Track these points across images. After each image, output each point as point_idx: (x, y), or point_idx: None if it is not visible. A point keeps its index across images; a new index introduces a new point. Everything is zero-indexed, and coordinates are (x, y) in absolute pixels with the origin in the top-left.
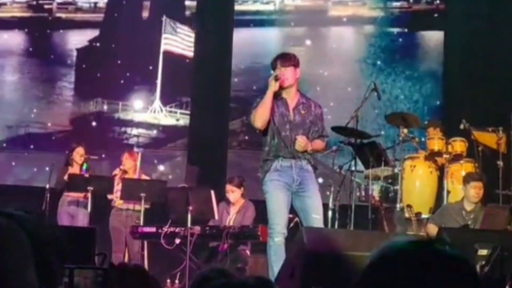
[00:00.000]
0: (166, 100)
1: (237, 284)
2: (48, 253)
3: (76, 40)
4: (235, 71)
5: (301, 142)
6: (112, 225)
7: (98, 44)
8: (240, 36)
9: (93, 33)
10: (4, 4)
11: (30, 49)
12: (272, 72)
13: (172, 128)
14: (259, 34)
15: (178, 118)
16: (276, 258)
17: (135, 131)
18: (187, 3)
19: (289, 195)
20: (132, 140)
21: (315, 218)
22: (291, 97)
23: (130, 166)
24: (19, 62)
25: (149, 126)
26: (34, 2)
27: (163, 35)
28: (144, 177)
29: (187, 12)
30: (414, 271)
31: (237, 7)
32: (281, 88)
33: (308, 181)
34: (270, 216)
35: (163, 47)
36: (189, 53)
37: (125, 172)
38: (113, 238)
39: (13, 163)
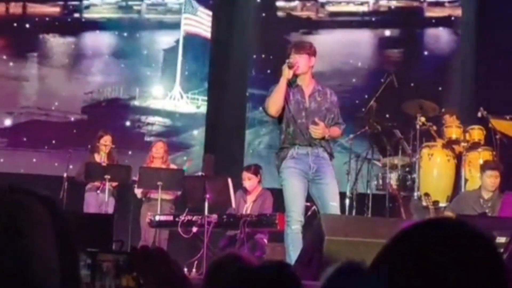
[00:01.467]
0: (188, 86)
1: (254, 269)
2: (71, 236)
3: (163, 41)
4: (325, 73)
5: (318, 128)
6: (143, 216)
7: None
8: (332, 37)
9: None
10: (94, 5)
11: (119, 50)
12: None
13: (191, 116)
14: (351, 35)
15: (199, 105)
16: (294, 246)
17: (150, 119)
18: None
19: (306, 182)
20: (145, 129)
21: (332, 205)
22: (306, 85)
23: (160, 155)
24: (107, 63)
25: (167, 114)
26: (124, 3)
27: (183, 15)
28: (172, 166)
29: None
30: (433, 248)
31: (331, 8)
32: (294, 75)
33: (324, 169)
34: (287, 204)
35: (183, 28)
36: (209, 34)
37: (153, 159)
38: (143, 229)
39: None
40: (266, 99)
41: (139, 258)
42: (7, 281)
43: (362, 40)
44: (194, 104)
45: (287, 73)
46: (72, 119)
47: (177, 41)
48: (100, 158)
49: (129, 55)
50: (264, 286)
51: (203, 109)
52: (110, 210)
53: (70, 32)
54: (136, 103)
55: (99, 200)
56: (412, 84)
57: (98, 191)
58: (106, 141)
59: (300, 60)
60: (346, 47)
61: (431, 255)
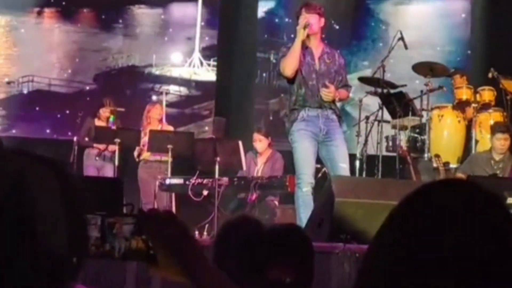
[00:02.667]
0: (210, 53)
1: (266, 230)
2: (78, 198)
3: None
4: None
5: (329, 91)
6: (140, 177)
7: None
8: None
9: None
10: None
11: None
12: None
13: (211, 84)
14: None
15: None
16: (304, 208)
17: (165, 87)
18: None
19: (316, 144)
20: (156, 99)
21: (342, 167)
22: (316, 46)
23: (156, 116)
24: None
25: (183, 82)
26: None
27: None
28: (168, 127)
29: None
30: (444, 209)
31: None
32: (307, 35)
33: (334, 131)
34: (297, 166)
35: None
36: None
37: (149, 122)
38: (142, 190)
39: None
40: (281, 61)
41: (147, 221)
42: (14, 243)
43: None
44: (214, 72)
45: (302, 34)
46: (87, 88)
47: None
48: (107, 121)
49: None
50: (275, 247)
51: None
52: (109, 175)
53: None
54: (152, 70)
55: (98, 165)
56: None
57: (97, 158)
58: (105, 112)
59: (311, 19)
60: None
61: (442, 216)
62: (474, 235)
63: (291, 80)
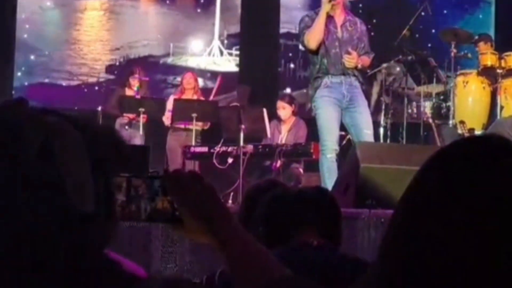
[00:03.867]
0: (231, 41)
1: (294, 193)
2: (104, 158)
3: None
4: None
5: (351, 57)
6: (169, 146)
7: None
8: None
9: None
10: None
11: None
12: None
13: (228, 75)
14: None
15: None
16: (329, 175)
17: (179, 79)
18: None
19: (339, 111)
20: (168, 92)
21: (366, 133)
22: (338, 14)
23: (191, 86)
24: None
25: (201, 73)
26: None
27: None
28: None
29: None
30: (475, 165)
31: None
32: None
33: (357, 97)
34: (321, 133)
35: None
36: None
37: (184, 91)
38: (169, 158)
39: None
40: (305, 33)
41: (172, 181)
42: (43, 203)
43: None
44: (235, 62)
45: (327, 7)
46: (100, 79)
47: None
48: (132, 91)
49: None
50: (303, 210)
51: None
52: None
53: None
54: (168, 60)
55: (129, 134)
56: (445, 11)
57: (126, 127)
58: (134, 79)
59: None
60: None
61: (471, 172)
62: (505, 192)
63: (314, 52)
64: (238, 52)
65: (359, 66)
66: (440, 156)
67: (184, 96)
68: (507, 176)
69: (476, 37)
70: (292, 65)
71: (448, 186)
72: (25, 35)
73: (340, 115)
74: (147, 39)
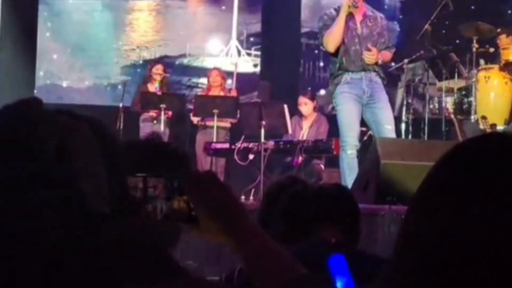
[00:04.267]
0: (250, 42)
1: (314, 190)
2: (119, 158)
3: None
4: None
5: (371, 54)
6: (198, 143)
7: None
8: None
9: None
10: None
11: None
12: None
13: (245, 76)
14: None
15: (256, 63)
16: (350, 171)
17: (194, 80)
18: None
19: (360, 107)
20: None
21: (387, 129)
22: (358, 11)
23: (217, 83)
24: None
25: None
26: None
27: None
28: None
29: None
30: (490, 162)
31: None
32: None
33: (378, 93)
34: (341, 129)
35: None
36: None
37: (210, 88)
38: (199, 156)
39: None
40: (324, 35)
41: (189, 181)
42: (57, 203)
43: None
44: (253, 62)
45: (346, 10)
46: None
47: None
48: (154, 87)
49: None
50: (322, 208)
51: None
52: (165, 140)
53: None
54: (184, 61)
55: (153, 130)
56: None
57: (154, 121)
58: (158, 69)
59: None
60: None
61: (488, 168)
62: None
63: (333, 54)
64: (257, 52)
65: (380, 61)
66: (456, 152)
67: (210, 93)
68: None
69: (498, 30)
70: (312, 65)
71: (464, 181)
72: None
73: (361, 111)
74: (164, 39)
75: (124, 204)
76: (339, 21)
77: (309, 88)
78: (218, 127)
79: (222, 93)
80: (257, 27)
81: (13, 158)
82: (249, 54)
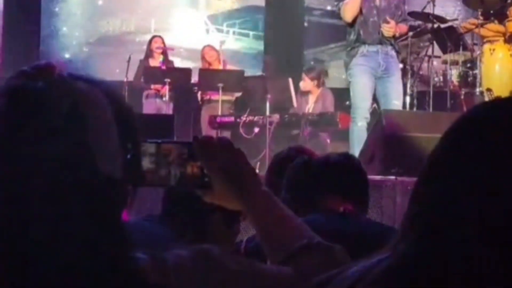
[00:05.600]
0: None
1: (320, 160)
2: (131, 122)
3: None
4: None
5: (390, 26)
6: (203, 118)
7: None
8: None
9: None
10: None
11: None
12: None
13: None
14: None
15: (224, 40)
16: (358, 143)
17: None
18: None
19: (374, 80)
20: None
21: (395, 104)
22: None
23: (214, 58)
24: None
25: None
26: None
27: None
28: (229, 67)
29: None
30: (500, 128)
31: None
32: None
33: (392, 67)
34: (354, 101)
35: None
36: None
37: (210, 64)
38: (204, 130)
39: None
40: (341, 5)
41: (202, 147)
42: (72, 168)
43: None
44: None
45: None
46: None
47: None
48: (158, 62)
49: None
50: (330, 176)
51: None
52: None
53: None
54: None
55: (157, 105)
56: None
57: (160, 98)
58: (156, 42)
59: None
60: None
61: (497, 135)
62: None
63: (351, 23)
64: (229, 29)
65: (397, 34)
66: (465, 121)
67: (212, 67)
68: None
69: (509, 1)
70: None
71: (474, 149)
72: None
73: (374, 84)
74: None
75: (137, 170)
76: None
77: (312, 65)
78: (222, 101)
79: (221, 66)
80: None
81: (26, 120)
82: (220, 31)
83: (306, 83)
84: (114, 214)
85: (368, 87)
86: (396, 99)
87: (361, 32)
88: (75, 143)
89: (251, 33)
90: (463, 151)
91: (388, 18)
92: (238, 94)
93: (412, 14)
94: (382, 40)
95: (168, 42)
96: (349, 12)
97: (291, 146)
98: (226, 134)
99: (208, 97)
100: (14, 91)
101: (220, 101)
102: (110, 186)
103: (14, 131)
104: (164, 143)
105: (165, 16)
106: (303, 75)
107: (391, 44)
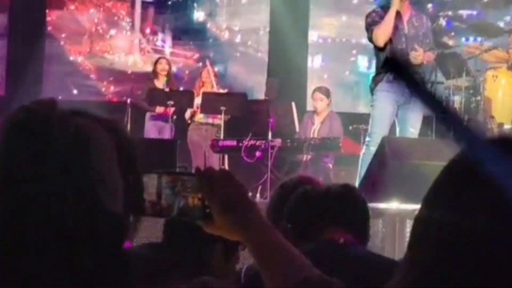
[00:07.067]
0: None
1: (321, 190)
2: (133, 157)
3: None
4: None
5: (418, 54)
6: (191, 140)
7: None
8: None
9: None
10: None
11: None
12: None
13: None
14: None
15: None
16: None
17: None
18: None
19: (395, 108)
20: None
21: (411, 131)
22: (404, 9)
23: (207, 79)
24: None
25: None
26: None
27: None
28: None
29: None
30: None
31: None
32: None
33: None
34: (372, 124)
35: None
36: None
37: (203, 84)
38: (193, 152)
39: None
40: (374, 29)
41: (204, 179)
42: (74, 203)
43: None
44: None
45: (398, 4)
46: None
47: None
48: (162, 83)
49: None
50: (331, 208)
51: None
52: (171, 137)
53: None
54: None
55: (159, 127)
56: None
57: (160, 121)
58: (161, 63)
59: None
60: None
61: (495, 173)
62: None
63: (382, 48)
64: (166, 49)
65: (425, 62)
66: (467, 155)
67: (204, 89)
68: None
69: (510, 27)
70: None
71: (474, 184)
72: None
73: (396, 112)
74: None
75: (138, 202)
76: (390, 15)
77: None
78: (212, 125)
79: (213, 88)
80: (170, 20)
81: (29, 158)
82: (156, 51)
83: (323, 102)
84: (116, 246)
85: (388, 114)
86: (413, 126)
87: (389, 58)
88: (77, 178)
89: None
90: (462, 185)
91: (416, 46)
92: (227, 118)
93: None
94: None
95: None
96: (381, 36)
97: (295, 176)
98: (228, 157)
99: (195, 118)
100: (16, 126)
101: (222, 125)
102: (112, 219)
103: (16, 166)
104: (166, 174)
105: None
106: (317, 93)
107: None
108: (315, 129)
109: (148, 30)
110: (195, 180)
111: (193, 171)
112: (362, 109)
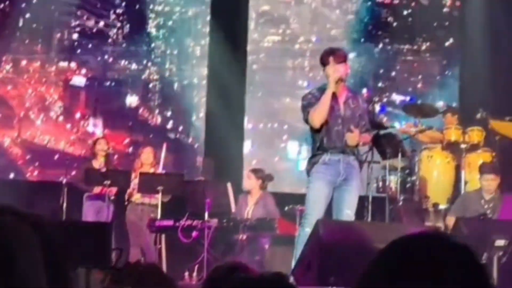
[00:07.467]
0: None
1: (255, 278)
2: (60, 255)
3: None
4: None
5: (354, 135)
6: (128, 219)
7: None
8: None
9: None
10: None
11: None
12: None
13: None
14: None
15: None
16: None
17: None
18: None
19: (331, 190)
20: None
21: (347, 213)
22: (340, 91)
23: (146, 161)
24: None
25: None
26: None
27: None
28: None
29: None
30: (417, 261)
31: None
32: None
33: (352, 177)
34: (307, 206)
35: None
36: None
37: (141, 165)
38: (130, 232)
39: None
40: (310, 111)
41: (132, 274)
42: None
43: None
44: None
45: (333, 87)
46: None
47: None
48: (99, 163)
49: None
50: None
51: None
52: (109, 217)
53: None
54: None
55: (96, 207)
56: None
57: (97, 201)
58: (100, 143)
59: (341, 69)
60: None
61: (410, 271)
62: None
63: (318, 130)
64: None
65: (361, 143)
66: (397, 246)
67: (141, 170)
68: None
69: (444, 109)
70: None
71: (404, 275)
72: None
73: (331, 195)
74: None
75: None
76: (326, 98)
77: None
78: (149, 205)
79: (152, 170)
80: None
81: None
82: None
83: (250, 182)
84: None
85: (324, 196)
86: (349, 208)
87: (325, 140)
88: (4, 280)
89: None
90: (394, 275)
91: (352, 128)
92: (166, 198)
93: None
94: (345, 150)
95: None
96: (317, 118)
97: (229, 261)
98: (165, 237)
99: (131, 198)
100: None
101: (159, 204)
102: None
103: None
104: (94, 268)
105: None
106: (249, 173)
107: (354, 154)
108: (249, 210)
109: (78, 115)
110: (124, 274)
111: (130, 252)
112: (297, 189)
